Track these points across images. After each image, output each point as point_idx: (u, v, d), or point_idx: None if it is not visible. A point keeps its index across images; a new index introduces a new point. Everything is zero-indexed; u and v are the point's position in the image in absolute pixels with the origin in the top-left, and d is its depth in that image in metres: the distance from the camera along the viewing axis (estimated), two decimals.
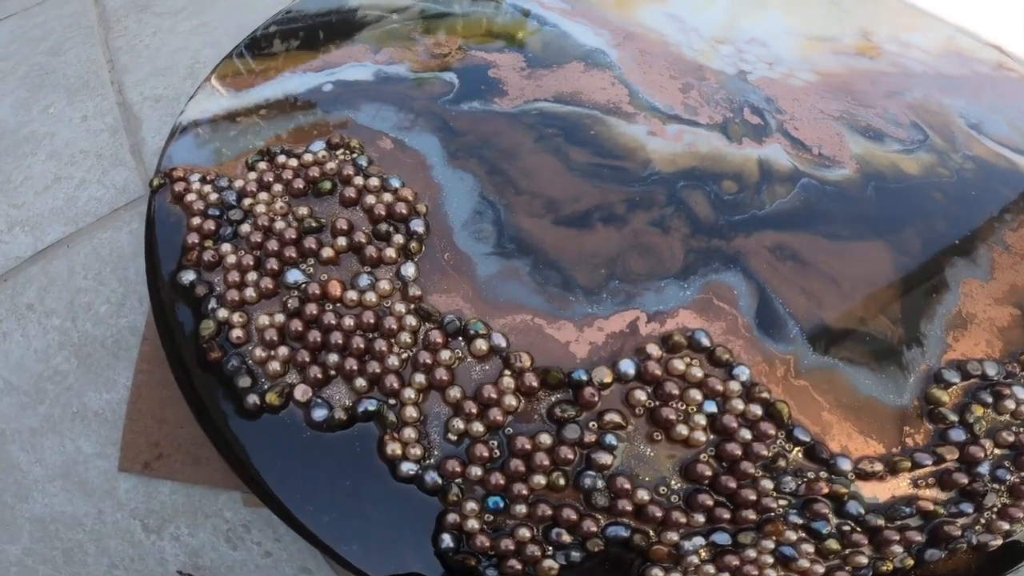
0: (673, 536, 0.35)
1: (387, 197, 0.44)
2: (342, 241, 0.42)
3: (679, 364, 0.36)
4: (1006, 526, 0.40)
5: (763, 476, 0.36)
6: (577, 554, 0.35)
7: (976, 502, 0.39)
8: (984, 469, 0.39)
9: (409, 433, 0.36)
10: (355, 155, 0.46)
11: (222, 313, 0.41)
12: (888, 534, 0.37)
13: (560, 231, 0.41)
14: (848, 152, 0.46)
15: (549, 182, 0.42)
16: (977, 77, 0.51)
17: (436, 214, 0.42)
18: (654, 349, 0.36)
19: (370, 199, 0.43)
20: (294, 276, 0.41)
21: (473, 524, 0.35)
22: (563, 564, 0.35)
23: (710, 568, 0.35)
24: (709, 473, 0.35)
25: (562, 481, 0.35)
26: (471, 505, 0.35)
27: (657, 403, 0.36)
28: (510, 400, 0.36)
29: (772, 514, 0.36)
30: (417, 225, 0.42)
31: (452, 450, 0.36)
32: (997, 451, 0.39)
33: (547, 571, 0.34)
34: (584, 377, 0.36)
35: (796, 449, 0.37)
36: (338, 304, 0.40)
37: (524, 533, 0.35)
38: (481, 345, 0.37)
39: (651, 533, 0.35)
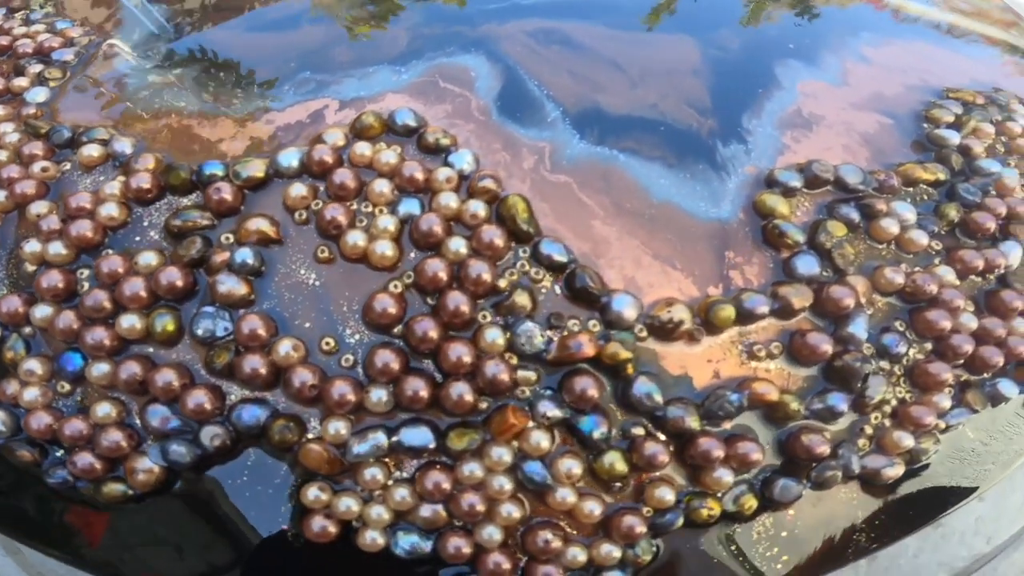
0: (340, 428, 0.22)
1: (44, 37, 0.33)
2: None
3: (364, 149, 0.24)
4: (908, 440, 0.25)
5: (489, 322, 0.22)
6: (183, 449, 0.22)
7: (853, 391, 0.24)
8: (858, 329, 0.24)
9: None
10: (31, 11, 0.36)
11: None
12: (705, 445, 0.22)
13: (251, 36, 0.30)
14: None
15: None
16: None
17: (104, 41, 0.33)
18: (334, 135, 0.24)
19: (23, 43, 0.32)
20: None
21: (34, 395, 0.22)
22: (162, 465, 0.22)
23: (403, 492, 0.22)
24: (393, 310, 0.22)
25: (170, 324, 0.22)
26: (31, 366, 0.22)
27: (318, 201, 0.23)
28: (110, 210, 0.24)
29: (509, 399, 0.22)
30: (64, 54, 0.31)
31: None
32: (880, 301, 0.25)
33: (139, 473, 0.22)
34: (219, 171, 0.24)
35: (548, 277, 0.23)
36: None
37: (106, 410, 0.22)
38: (92, 151, 0.25)
39: (305, 422, 0.22)
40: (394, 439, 0.22)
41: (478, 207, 0.23)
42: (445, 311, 0.22)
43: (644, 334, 0.23)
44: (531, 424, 0.22)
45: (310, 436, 0.22)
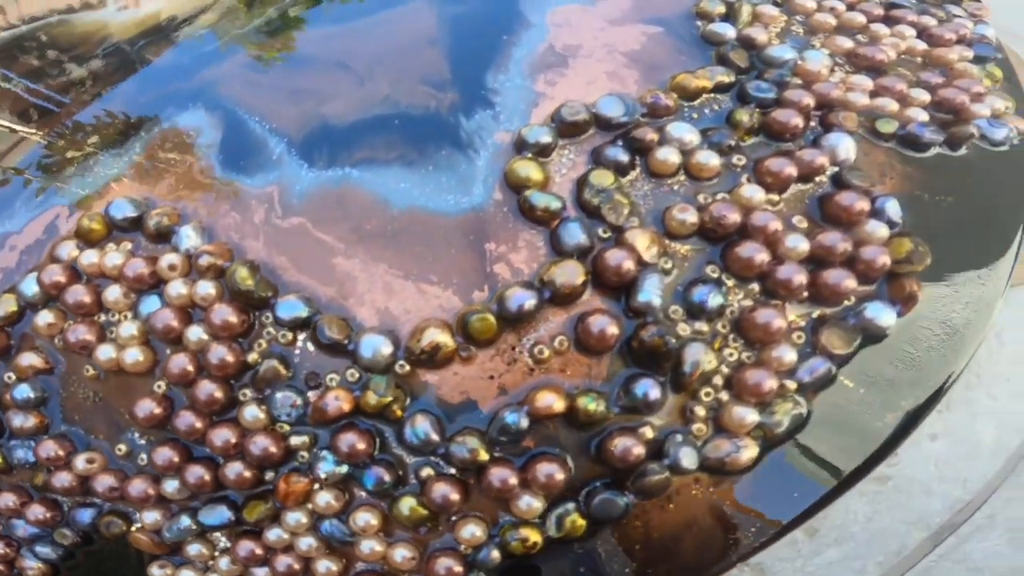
0: (155, 516, 0.23)
1: None
2: None
3: (92, 258, 0.23)
4: (751, 416, 0.21)
5: (249, 399, 0.22)
6: (47, 549, 0.24)
7: (664, 370, 0.21)
8: (648, 294, 0.20)
9: None
10: None
11: None
12: (496, 476, 0.20)
13: None
14: None
15: None
16: None
17: None
18: (66, 248, 0.24)
19: None
20: None
21: None
22: (44, 562, 0.24)
23: (227, 561, 0.23)
24: (158, 411, 0.22)
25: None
26: None
27: (69, 323, 0.23)
28: None
29: (293, 465, 0.22)
30: None
31: None
32: (682, 249, 0.21)
33: (29, 571, 0.24)
34: None
35: (294, 336, 0.22)
36: None
37: None
38: None
39: (130, 515, 0.23)
40: (197, 520, 0.23)
41: (206, 288, 0.22)
42: (198, 402, 0.22)
43: (407, 369, 0.22)
44: (316, 486, 0.22)
45: (137, 526, 0.24)
